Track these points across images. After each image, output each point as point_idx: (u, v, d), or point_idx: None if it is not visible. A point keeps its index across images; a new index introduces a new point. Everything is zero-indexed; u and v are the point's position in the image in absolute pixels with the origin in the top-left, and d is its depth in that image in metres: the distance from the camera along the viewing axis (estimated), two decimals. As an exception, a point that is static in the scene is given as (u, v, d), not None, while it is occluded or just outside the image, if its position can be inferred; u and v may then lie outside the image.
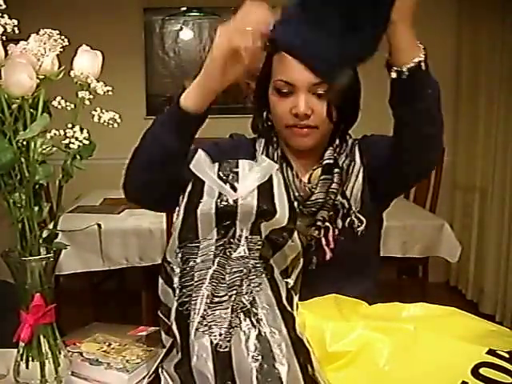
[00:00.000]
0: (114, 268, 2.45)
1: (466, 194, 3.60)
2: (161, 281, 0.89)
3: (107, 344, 1.03)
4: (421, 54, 0.93)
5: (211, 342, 0.79)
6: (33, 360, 0.84)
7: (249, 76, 1.02)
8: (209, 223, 0.85)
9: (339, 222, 1.15)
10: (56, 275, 0.89)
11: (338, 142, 1.19)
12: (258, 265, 0.84)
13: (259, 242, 0.85)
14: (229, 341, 0.79)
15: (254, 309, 0.81)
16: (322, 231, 1.14)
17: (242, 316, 0.81)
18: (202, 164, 0.89)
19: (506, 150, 3.24)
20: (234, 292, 0.82)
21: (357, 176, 1.17)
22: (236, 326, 0.80)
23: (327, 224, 1.14)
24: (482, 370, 0.76)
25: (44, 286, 0.83)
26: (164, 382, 0.84)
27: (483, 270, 3.38)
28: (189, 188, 0.89)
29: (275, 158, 1.18)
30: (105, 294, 3.11)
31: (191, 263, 0.85)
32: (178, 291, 0.84)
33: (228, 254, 0.84)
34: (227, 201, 0.85)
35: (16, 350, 0.85)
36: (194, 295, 0.82)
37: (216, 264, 0.84)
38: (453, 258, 2.61)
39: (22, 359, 0.84)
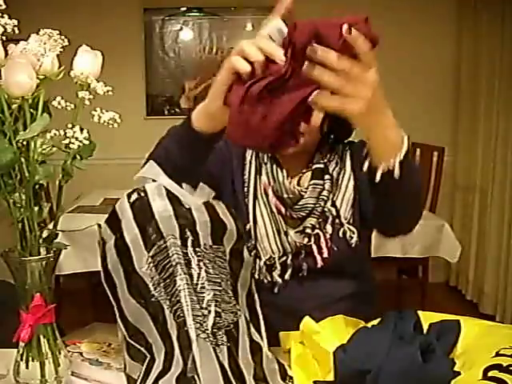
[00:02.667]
0: (114, 268, 2.45)
1: (465, 194, 3.60)
2: (133, 301, 0.81)
3: (107, 344, 1.03)
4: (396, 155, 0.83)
5: (214, 350, 0.76)
6: (33, 360, 0.84)
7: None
8: (170, 225, 0.80)
9: (329, 228, 1.13)
10: (56, 275, 0.88)
11: (327, 148, 1.18)
12: (228, 281, 0.82)
13: (225, 253, 0.82)
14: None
15: (234, 331, 0.79)
16: (313, 238, 1.13)
17: (224, 337, 0.78)
18: (156, 170, 0.87)
19: (506, 150, 3.24)
20: (213, 308, 0.79)
21: (347, 186, 1.15)
22: (222, 344, 0.78)
23: (317, 231, 1.13)
24: (490, 373, 0.76)
25: (44, 286, 0.83)
26: None
27: (483, 270, 3.38)
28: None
29: (265, 159, 1.18)
30: (105, 294, 3.10)
31: (170, 269, 0.79)
32: (168, 302, 0.78)
33: (201, 263, 0.80)
34: (183, 206, 0.81)
35: (16, 350, 0.85)
36: (182, 301, 0.78)
37: (187, 273, 0.79)
38: (453, 258, 2.61)
39: (22, 359, 0.84)
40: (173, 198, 0.82)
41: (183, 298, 0.77)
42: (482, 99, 3.36)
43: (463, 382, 0.76)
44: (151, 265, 0.79)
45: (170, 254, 0.79)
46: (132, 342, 0.82)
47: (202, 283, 0.79)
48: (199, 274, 0.79)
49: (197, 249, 0.80)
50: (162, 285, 0.79)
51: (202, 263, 0.80)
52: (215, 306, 0.78)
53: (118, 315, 0.84)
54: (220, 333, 0.77)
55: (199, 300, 0.78)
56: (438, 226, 2.57)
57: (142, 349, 0.81)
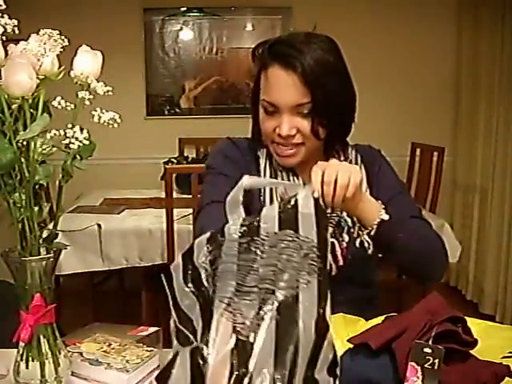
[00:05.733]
0: (114, 268, 2.46)
1: (465, 194, 3.60)
2: (187, 289, 0.84)
3: (107, 344, 1.03)
4: (380, 210, 1.03)
5: (234, 328, 0.78)
6: (33, 360, 0.84)
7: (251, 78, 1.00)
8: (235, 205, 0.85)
9: (345, 237, 1.13)
10: (56, 275, 0.88)
11: (342, 157, 1.18)
12: (313, 262, 0.81)
13: (295, 239, 0.82)
14: (251, 331, 0.78)
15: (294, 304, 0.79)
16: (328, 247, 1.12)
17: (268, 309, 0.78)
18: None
19: (506, 150, 3.24)
20: (266, 285, 0.79)
21: None
22: (262, 318, 0.78)
23: (332, 240, 1.12)
24: None
25: (44, 286, 0.83)
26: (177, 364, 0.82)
27: (483, 270, 3.38)
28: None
29: (280, 167, 1.18)
30: (105, 294, 3.11)
31: (220, 259, 0.83)
32: (210, 292, 0.82)
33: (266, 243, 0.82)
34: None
35: (16, 350, 0.85)
36: (218, 284, 0.81)
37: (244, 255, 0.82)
38: (453, 258, 2.60)
39: (22, 359, 0.84)
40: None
41: (218, 282, 0.81)
42: (482, 99, 3.36)
43: None
44: (208, 258, 0.83)
45: (224, 248, 0.82)
46: (181, 328, 0.84)
47: (257, 267, 0.81)
48: (254, 259, 0.81)
49: (255, 237, 0.82)
50: (211, 276, 0.82)
51: (258, 250, 0.81)
52: (268, 283, 0.79)
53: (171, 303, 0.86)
54: (269, 307, 0.78)
55: (241, 283, 0.80)
56: (438, 225, 2.57)
57: (189, 334, 0.83)
